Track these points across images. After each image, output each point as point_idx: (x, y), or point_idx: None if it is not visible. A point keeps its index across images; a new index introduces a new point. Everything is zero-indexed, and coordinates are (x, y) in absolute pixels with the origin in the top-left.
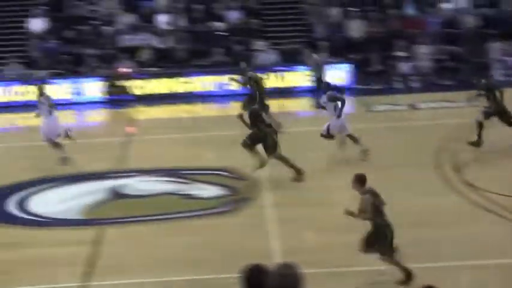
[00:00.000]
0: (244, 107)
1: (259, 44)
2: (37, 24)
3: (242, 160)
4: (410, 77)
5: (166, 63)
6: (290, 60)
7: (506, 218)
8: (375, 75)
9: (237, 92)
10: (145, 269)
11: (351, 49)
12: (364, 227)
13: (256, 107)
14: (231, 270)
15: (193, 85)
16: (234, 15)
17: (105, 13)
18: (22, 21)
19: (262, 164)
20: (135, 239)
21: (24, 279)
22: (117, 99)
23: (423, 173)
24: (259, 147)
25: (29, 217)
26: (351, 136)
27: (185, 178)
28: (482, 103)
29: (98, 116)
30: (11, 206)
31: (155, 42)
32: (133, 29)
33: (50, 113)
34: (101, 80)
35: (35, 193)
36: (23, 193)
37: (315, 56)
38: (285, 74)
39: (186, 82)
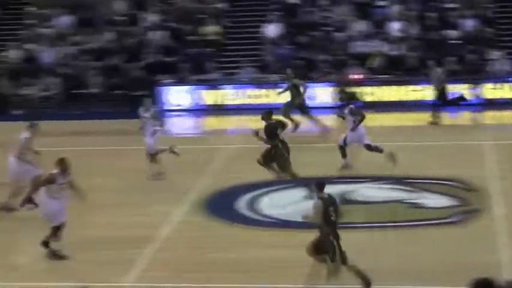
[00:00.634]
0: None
1: (493, 53)
2: (272, 30)
3: (469, 170)
4: None
5: (396, 70)
6: None
7: None
8: None
9: (468, 102)
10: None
11: None
12: None
13: (273, 122)
14: (456, 283)
15: (422, 93)
16: (468, 24)
17: (337, 19)
18: (258, 27)
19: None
20: (360, 246)
21: (257, 277)
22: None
23: None
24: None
25: (258, 217)
26: (369, 146)
27: (413, 186)
28: None
29: (329, 121)
30: (241, 205)
31: (386, 49)
32: (365, 36)
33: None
34: (332, 86)
35: (264, 194)
36: (253, 194)
37: (438, 69)
38: None
39: (414, 90)
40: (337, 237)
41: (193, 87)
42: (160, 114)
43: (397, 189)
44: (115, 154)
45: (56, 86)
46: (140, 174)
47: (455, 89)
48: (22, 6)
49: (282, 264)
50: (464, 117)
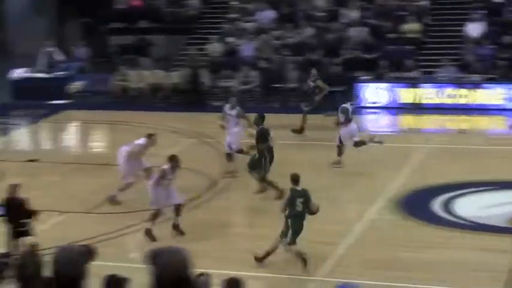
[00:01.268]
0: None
1: None
2: (474, 29)
3: None
4: None
5: None
6: None
7: None
8: None
9: None
10: None
11: None
12: None
13: (264, 127)
14: None
15: None
16: None
17: None
18: (460, 26)
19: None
20: None
21: (446, 280)
22: None
23: None
24: None
25: (453, 219)
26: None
27: None
28: None
29: None
30: (436, 206)
31: None
32: None
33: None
34: None
35: (460, 196)
36: (449, 195)
37: None
38: None
39: None
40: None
41: (391, 84)
42: (346, 111)
43: None
44: (310, 148)
45: (256, 79)
46: (336, 168)
47: None
48: (226, 0)
49: (475, 268)
50: None
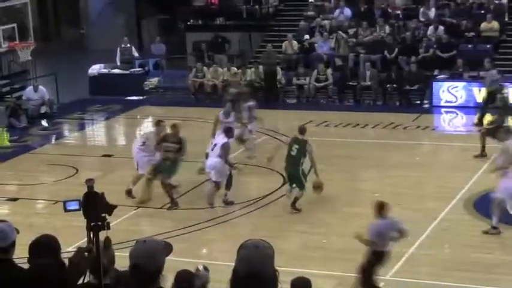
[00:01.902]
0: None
1: None
2: None
3: None
4: None
5: None
6: None
7: None
8: None
9: None
10: None
11: None
12: None
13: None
14: None
15: None
16: None
17: None
18: None
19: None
20: None
21: None
22: None
23: None
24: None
25: None
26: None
27: None
28: None
29: None
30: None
31: None
32: None
33: None
34: None
35: None
36: None
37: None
38: None
39: None
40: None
41: (468, 83)
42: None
43: None
44: (385, 147)
45: (331, 77)
46: (412, 167)
47: None
48: None
49: None
50: None
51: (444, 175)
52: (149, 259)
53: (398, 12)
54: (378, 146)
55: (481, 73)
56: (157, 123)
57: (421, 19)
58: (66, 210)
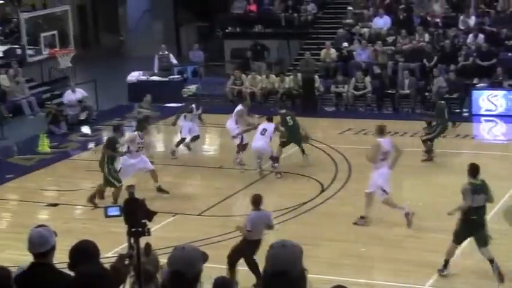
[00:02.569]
0: None
1: None
2: None
3: None
4: None
5: None
6: None
7: None
8: None
9: None
10: None
11: None
12: None
13: (114, 136)
14: None
15: None
16: None
17: None
18: None
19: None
20: None
21: None
22: None
23: None
24: None
25: None
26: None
27: None
28: None
29: None
30: None
31: None
32: None
33: None
34: None
35: None
36: None
37: None
38: None
39: None
40: None
41: (508, 92)
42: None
43: None
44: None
45: (369, 85)
46: (452, 175)
47: None
48: (341, 5)
49: None
50: None
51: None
52: (188, 265)
53: (438, 20)
54: (417, 154)
55: None
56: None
57: (461, 27)
58: (107, 216)
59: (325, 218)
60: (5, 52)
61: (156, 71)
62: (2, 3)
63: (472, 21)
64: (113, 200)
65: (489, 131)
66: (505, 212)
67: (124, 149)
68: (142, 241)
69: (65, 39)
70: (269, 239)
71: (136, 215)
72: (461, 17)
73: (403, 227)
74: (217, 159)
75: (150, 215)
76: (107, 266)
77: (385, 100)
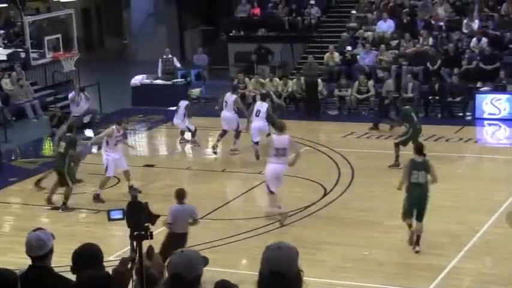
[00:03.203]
0: None
1: None
2: None
3: None
4: None
5: None
6: None
7: None
8: None
9: None
10: None
11: None
12: None
13: (73, 135)
14: None
15: None
16: None
17: None
18: None
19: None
20: None
21: None
22: None
23: None
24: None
25: None
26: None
27: None
28: None
29: None
30: None
31: None
32: None
33: None
34: None
35: None
36: None
37: None
38: None
39: None
40: None
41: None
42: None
43: None
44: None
45: (372, 88)
46: (455, 179)
47: None
48: (345, 9)
49: None
50: None
51: (486, 188)
52: (188, 268)
53: (442, 23)
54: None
55: None
56: (119, 123)
57: (465, 31)
58: (110, 219)
59: (327, 222)
60: (9, 55)
61: (160, 75)
62: (6, 6)
63: (476, 24)
64: (64, 200)
65: (492, 134)
66: (507, 216)
67: (103, 143)
68: (145, 244)
69: (68, 43)
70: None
71: (139, 218)
72: (465, 21)
73: (406, 229)
74: (220, 163)
75: (153, 218)
76: (110, 269)
77: (389, 103)
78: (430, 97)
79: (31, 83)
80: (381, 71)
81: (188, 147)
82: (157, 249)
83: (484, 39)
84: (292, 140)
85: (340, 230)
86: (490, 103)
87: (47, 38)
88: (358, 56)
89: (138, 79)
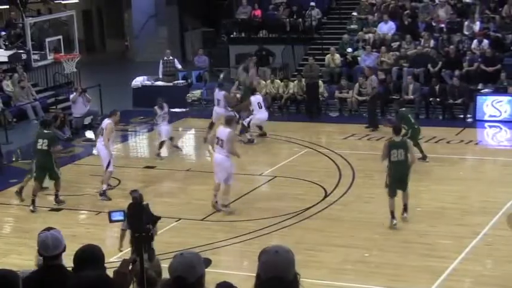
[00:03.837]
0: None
1: None
2: None
3: None
4: None
5: None
6: None
7: None
8: None
9: None
10: None
11: None
12: None
13: (52, 132)
14: None
15: None
16: None
17: None
18: None
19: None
20: None
21: None
22: None
23: None
24: None
25: None
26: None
27: None
28: None
29: None
30: None
31: None
32: None
33: None
34: None
35: None
36: None
37: None
38: None
39: None
40: None
41: None
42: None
43: None
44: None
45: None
46: (456, 181)
47: None
48: (346, 11)
49: None
50: None
51: (487, 190)
52: (189, 270)
53: (443, 25)
54: (421, 160)
55: None
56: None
57: (466, 33)
58: (111, 220)
59: (328, 224)
60: (10, 57)
61: (160, 76)
62: (7, 8)
63: (477, 26)
64: (56, 192)
65: (493, 136)
66: (508, 218)
67: (111, 141)
68: (148, 246)
69: (70, 44)
70: (270, 243)
71: (140, 219)
72: (466, 23)
73: (406, 231)
74: None
75: (154, 219)
76: (111, 270)
77: (390, 105)
78: (431, 99)
79: (32, 85)
80: (382, 72)
81: (188, 148)
82: (157, 250)
83: (485, 41)
84: (232, 138)
85: (340, 232)
86: (491, 105)
87: (48, 39)
88: (359, 58)
89: (139, 80)
